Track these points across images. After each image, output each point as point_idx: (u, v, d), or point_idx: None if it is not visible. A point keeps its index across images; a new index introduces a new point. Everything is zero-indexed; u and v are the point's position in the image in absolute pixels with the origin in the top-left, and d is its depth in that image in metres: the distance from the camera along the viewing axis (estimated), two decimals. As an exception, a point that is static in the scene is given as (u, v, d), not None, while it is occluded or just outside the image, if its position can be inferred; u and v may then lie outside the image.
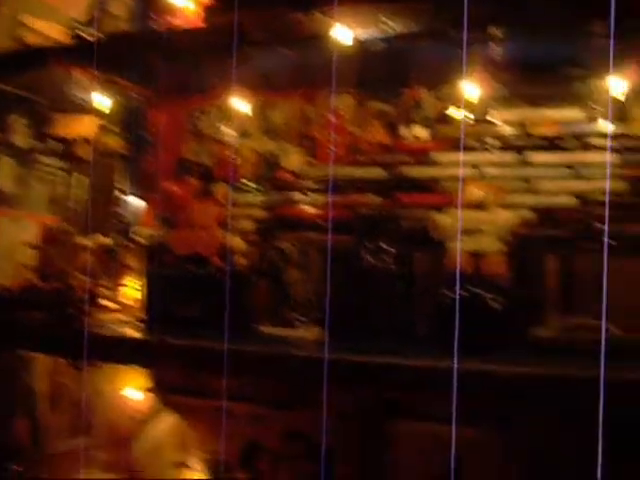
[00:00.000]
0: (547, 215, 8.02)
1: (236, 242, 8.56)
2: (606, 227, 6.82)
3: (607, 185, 7.64)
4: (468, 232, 7.57)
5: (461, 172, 8.00)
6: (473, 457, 7.10)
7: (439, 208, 7.97)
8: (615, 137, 8.34)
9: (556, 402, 6.56)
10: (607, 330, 7.21)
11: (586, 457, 6.16)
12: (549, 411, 6.73)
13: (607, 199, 7.20)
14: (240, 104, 10.35)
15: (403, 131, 9.54)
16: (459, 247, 7.22)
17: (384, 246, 8.06)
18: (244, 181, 9.83)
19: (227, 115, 10.40)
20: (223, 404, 7.18)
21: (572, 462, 7.03)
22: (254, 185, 9.81)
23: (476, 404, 6.69)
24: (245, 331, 7.92)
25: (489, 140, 8.89)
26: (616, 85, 8.45)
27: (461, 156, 8.32)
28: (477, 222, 7.63)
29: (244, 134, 10.48)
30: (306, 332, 7.98)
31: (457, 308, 6.38)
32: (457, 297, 6.69)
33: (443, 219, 7.80)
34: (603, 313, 6.78)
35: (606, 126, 8.42)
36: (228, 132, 10.42)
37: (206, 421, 9.00)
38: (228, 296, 7.33)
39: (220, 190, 8.98)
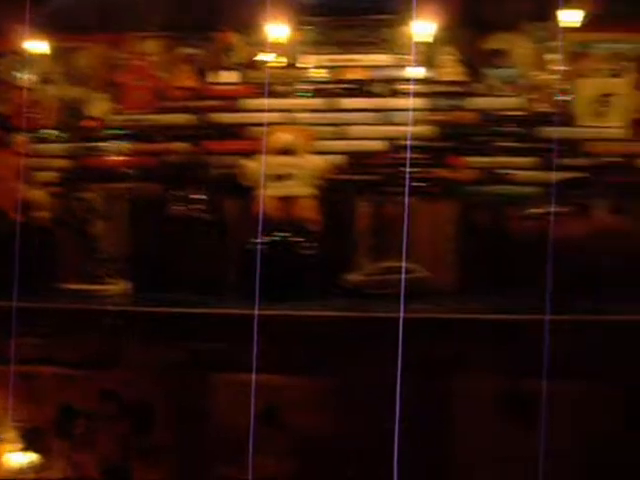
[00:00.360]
0: (357, 160, 8.26)
1: (37, 194, 8.30)
2: (407, 170, 7.12)
3: (411, 129, 8.00)
4: (278, 178, 7.69)
5: (266, 117, 8.06)
6: (288, 404, 7.25)
7: (249, 154, 8.05)
8: (423, 82, 8.66)
9: (366, 343, 6.83)
10: (414, 271, 7.58)
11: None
12: (361, 354, 6.96)
13: (409, 143, 7.54)
14: (40, 48, 9.97)
15: (212, 76, 9.46)
16: (262, 193, 7.33)
17: (193, 194, 8.06)
18: (46, 130, 9.53)
19: (26, 60, 10.01)
20: (11, 368, 7.01)
21: (385, 403, 7.34)
22: (57, 134, 9.52)
23: (288, 350, 6.86)
24: (49, 288, 7.73)
25: (300, 85, 9.02)
26: (423, 31, 8.74)
27: (266, 101, 8.39)
28: (287, 167, 7.75)
29: (45, 80, 10.10)
30: (114, 286, 7.89)
31: (259, 254, 6.52)
32: (259, 243, 6.84)
33: (252, 165, 7.87)
34: (404, 255, 7.11)
35: (414, 71, 8.71)
36: (27, 78, 10.03)
37: (14, 388, 8.74)
38: (22, 251, 7.13)
39: (19, 140, 8.67)
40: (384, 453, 7.25)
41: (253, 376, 6.55)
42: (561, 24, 8.76)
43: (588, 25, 9.59)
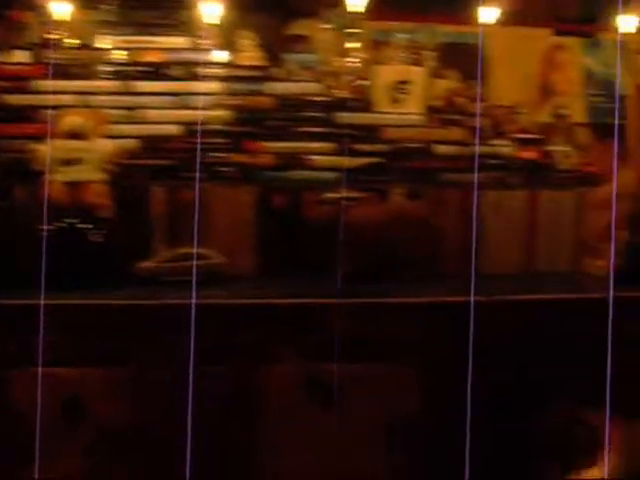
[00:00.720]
0: (152, 144, 8.23)
1: None
2: (198, 155, 7.15)
3: (207, 114, 8.10)
4: (67, 162, 7.59)
5: (56, 99, 7.95)
6: (85, 396, 7.17)
7: (39, 138, 7.89)
8: (221, 66, 8.72)
9: (159, 332, 6.86)
10: (209, 257, 7.68)
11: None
12: (155, 342, 6.99)
13: (203, 128, 7.57)
14: None
15: (3, 56, 9.08)
16: (49, 178, 7.23)
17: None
18: None
19: None
20: None
21: (183, 391, 7.41)
22: None
23: (80, 341, 6.80)
24: None
25: (94, 67, 8.88)
26: (221, 14, 8.81)
27: (52, 82, 8.24)
28: (76, 151, 7.65)
29: None
30: None
31: (44, 242, 6.43)
32: (46, 230, 6.76)
33: (43, 149, 7.73)
34: (195, 241, 7.20)
35: (212, 54, 8.77)
36: None
37: None
38: None
39: None
40: (183, 442, 7.33)
41: (39, 369, 6.45)
42: (358, 11, 9.07)
43: (388, 14, 9.99)
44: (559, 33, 11.01)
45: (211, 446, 7.27)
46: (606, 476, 8.08)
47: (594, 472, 8.12)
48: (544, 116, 10.47)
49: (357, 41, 9.16)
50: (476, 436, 7.50)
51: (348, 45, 9.12)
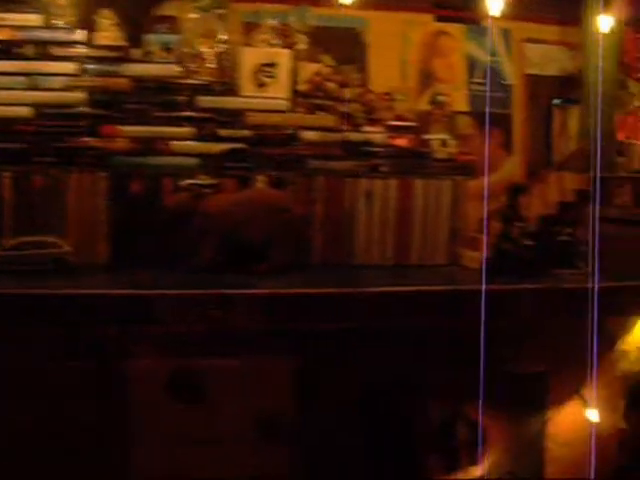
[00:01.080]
0: (1, 127, 8.09)
1: None
2: (50, 141, 7.07)
3: (60, 95, 8.03)
4: None
5: None
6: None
7: None
8: (76, 45, 8.57)
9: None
10: (56, 246, 7.64)
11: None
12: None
13: (52, 111, 7.47)
14: None
15: None
16: None
17: None
18: None
19: None
20: None
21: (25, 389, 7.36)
22: None
23: None
24: None
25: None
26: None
27: None
28: None
29: None
30: None
31: None
32: None
33: None
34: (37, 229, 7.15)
35: (66, 34, 8.65)
36: None
37: None
38: None
39: None
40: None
41: None
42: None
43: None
44: (441, 19, 11.18)
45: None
46: (487, 475, 8.32)
47: (475, 471, 8.36)
48: (422, 104, 10.64)
49: (224, 23, 9.14)
50: (348, 435, 7.65)
51: (214, 27, 9.07)
